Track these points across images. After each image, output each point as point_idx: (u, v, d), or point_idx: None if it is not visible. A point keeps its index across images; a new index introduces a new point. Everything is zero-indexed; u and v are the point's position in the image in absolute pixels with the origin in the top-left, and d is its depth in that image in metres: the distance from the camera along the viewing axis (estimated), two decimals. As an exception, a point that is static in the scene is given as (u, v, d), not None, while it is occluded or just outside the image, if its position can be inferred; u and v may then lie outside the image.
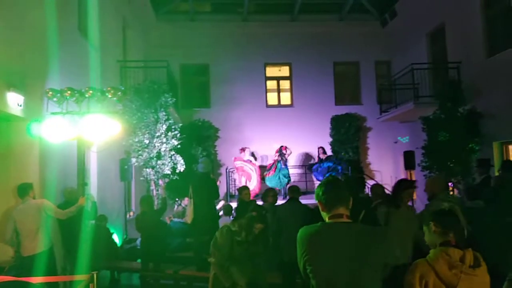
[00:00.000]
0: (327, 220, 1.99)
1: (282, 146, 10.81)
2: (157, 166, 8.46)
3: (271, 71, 13.61)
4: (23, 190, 4.75)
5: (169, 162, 8.55)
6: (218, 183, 6.76)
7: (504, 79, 7.99)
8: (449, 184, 7.62)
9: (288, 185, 9.06)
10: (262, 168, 11.19)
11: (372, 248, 1.88)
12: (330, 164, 10.90)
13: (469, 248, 1.98)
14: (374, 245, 1.89)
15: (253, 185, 10.31)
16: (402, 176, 12.55)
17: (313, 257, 1.91)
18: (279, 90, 13.63)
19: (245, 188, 6.30)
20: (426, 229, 2.12)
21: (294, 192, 5.20)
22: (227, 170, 11.62)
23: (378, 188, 5.55)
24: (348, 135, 12.60)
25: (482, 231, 4.05)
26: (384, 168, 13.02)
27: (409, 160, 9.52)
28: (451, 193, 7.43)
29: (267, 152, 12.24)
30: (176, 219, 7.40)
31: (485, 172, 6.59)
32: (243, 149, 11.04)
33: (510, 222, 4.13)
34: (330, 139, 12.77)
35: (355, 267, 1.84)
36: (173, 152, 8.69)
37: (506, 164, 6.22)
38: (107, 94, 5.04)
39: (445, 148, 8.21)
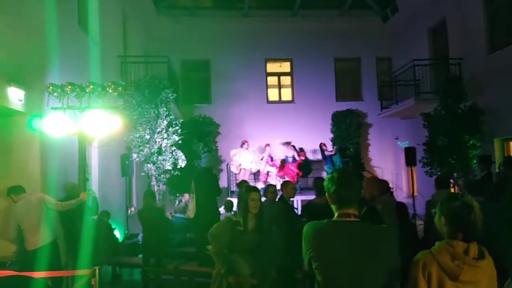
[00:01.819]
0: (335, 215, 1.99)
1: (322, 143, 11.59)
2: (158, 162, 8.47)
3: (272, 67, 13.58)
4: (17, 189, 4.77)
5: (170, 157, 8.56)
6: None
7: (505, 76, 7.95)
8: (450, 180, 7.60)
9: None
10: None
11: (377, 247, 1.88)
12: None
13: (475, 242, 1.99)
14: (379, 245, 1.89)
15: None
16: (403, 173, 12.56)
17: (319, 254, 1.91)
18: (280, 86, 13.61)
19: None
20: (437, 220, 2.13)
21: (282, 189, 5.08)
22: (228, 166, 11.62)
23: (383, 183, 5.54)
24: (349, 131, 12.62)
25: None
26: (385, 164, 13.03)
27: (410, 157, 9.53)
28: (452, 189, 7.41)
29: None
30: (178, 215, 7.42)
31: (487, 169, 6.57)
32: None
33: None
34: (331, 135, 12.78)
35: (360, 266, 1.84)
36: (174, 148, 8.70)
37: (507, 161, 6.21)
38: (107, 89, 5.03)
39: (446, 144, 8.20)
